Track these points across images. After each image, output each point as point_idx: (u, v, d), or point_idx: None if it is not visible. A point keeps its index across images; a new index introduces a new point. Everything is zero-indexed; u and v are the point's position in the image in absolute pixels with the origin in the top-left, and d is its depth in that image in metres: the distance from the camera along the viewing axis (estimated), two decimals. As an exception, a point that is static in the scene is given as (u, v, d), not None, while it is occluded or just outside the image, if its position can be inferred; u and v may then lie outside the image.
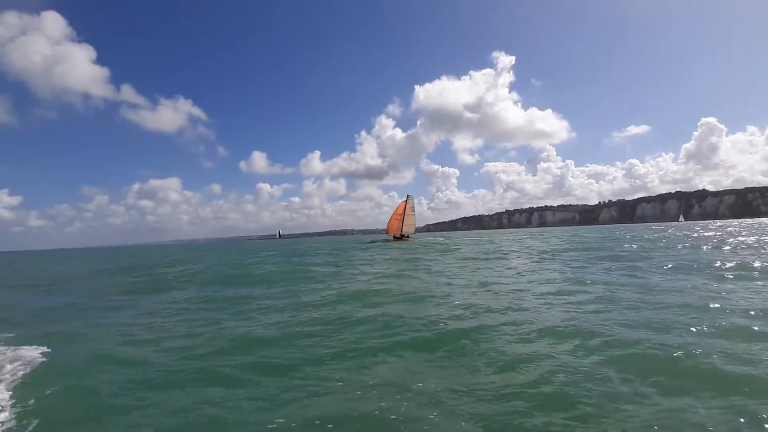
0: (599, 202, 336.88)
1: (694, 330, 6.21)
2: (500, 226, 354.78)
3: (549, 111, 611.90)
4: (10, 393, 4.82)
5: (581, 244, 32.28)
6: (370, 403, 4.11)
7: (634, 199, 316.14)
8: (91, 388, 5.04)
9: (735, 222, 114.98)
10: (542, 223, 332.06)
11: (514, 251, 27.17)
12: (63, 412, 4.40)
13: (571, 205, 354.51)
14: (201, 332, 8.00)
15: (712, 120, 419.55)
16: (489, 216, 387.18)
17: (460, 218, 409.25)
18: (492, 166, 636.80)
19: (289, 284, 15.16)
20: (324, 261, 26.29)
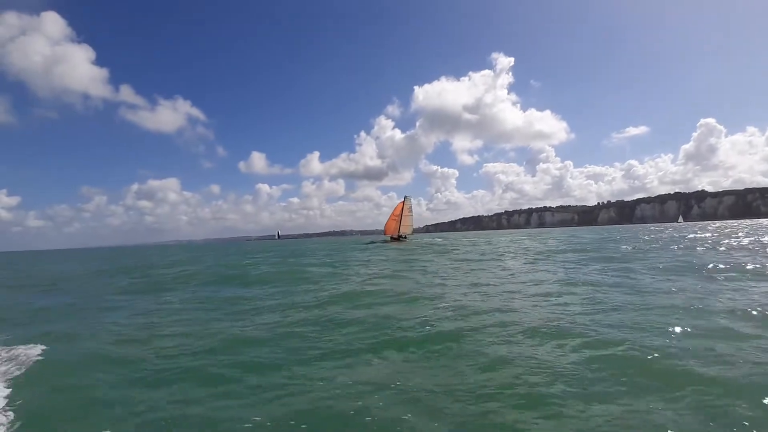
0: (598, 203, 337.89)
1: (676, 331, 6.31)
2: (499, 227, 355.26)
3: (548, 112, 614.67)
4: (7, 391, 4.97)
5: (577, 245, 32.38)
6: (347, 402, 4.21)
7: (633, 200, 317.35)
8: (81, 386, 5.22)
9: (734, 223, 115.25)
10: (541, 224, 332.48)
11: (510, 252, 27.28)
12: (53, 409, 4.55)
13: (570, 205, 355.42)
14: (192, 332, 8.14)
15: (711, 121, 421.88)
16: (488, 217, 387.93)
17: (460, 219, 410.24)
18: (491, 167, 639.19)
19: (283, 285, 15.25)
20: (320, 262, 26.40)
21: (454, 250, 33.08)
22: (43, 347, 7.07)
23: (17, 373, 5.74)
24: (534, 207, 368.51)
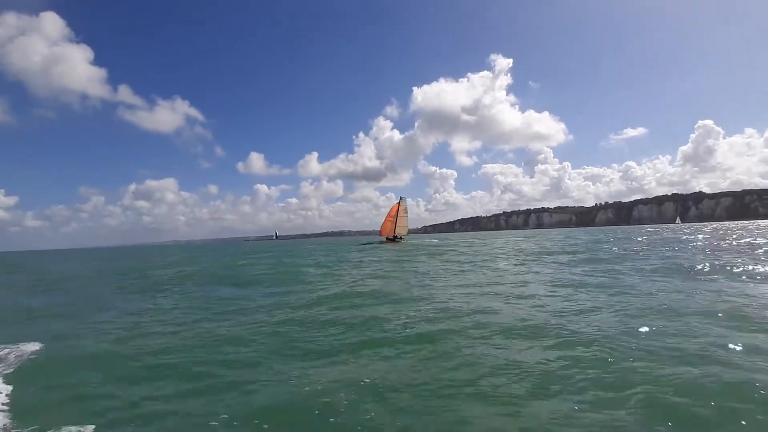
0: (596, 204, 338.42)
1: (646, 331, 6.47)
2: (498, 228, 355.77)
3: (546, 113, 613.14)
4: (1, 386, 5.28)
5: (571, 246, 32.62)
6: (314, 401, 4.36)
7: (631, 201, 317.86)
8: (70, 382, 5.51)
9: (731, 224, 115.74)
10: (539, 225, 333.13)
11: (503, 254, 27.48)
12: (41, 403, 4.82)
13: (567, 206, 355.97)
14: (179, 331, 8.39)
15: (709, 122, 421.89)
16: (486, 217, 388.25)
17: (458, 220, 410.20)
18: (490, 168, 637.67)
19: (276, 286, 15.41)
20: (315, 262, 26.56)
21: (448, 251, 33.26)
22: (39, 344, 7.40)
23: (10, 369, 6.04)
24: (532, 208, 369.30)
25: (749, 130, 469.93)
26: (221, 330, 8.27)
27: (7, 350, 7.09)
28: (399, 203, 61.47)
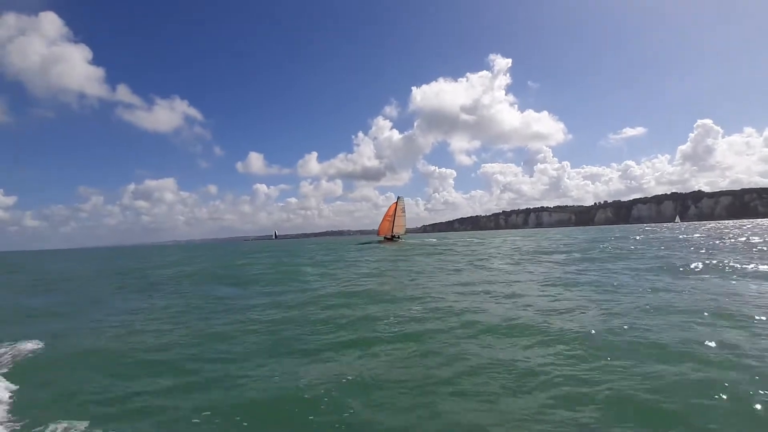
0: (595, 204, 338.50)
1: (627, 329, 6.60)
2: (497, 227, 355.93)
3: (545, 113, 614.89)
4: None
5: (568, 245, 32.79)
6: (294, 396, 4.52)
7: (630, 201, 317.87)
8: (65, 378, 5.72)
9: (730, 223, 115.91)
10: (539, 224, 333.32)
11: (499, 253, 27.63)
12: (37, 398, 5.00)
13: (567, 206, 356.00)
14: (171, 329, 8.57)
15: (708, 122, 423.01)
16: (486, 217, 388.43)
17: (458, 219, 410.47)
18: (489, 168, 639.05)
19: (272, 285, 15.56)
20: (312, 262, 26.72)
21: (446, 250, 33.39)
22: (38, 343, 7.62)
23: (9, 367, 6.27)
24: (531, 207, 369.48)
25: (748, 129, 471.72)
26: (214, 328, 8.42)
27: (6, 349, 7.30)
28: (396, 203, 61.56)
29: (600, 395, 4.20)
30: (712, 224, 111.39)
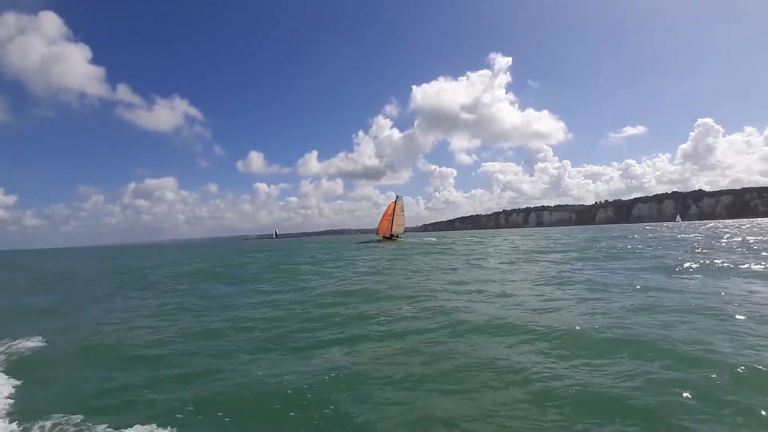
0: (596, 203, 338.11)
1: (611, 326, 6.73)
2: (497, 226, 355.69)
3: (545, 112, 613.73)
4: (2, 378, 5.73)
5: (566, 245, 32.96)
6: (276, 391, 4.69)
7: (631, 200, 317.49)
8: (58, 375, 5.95)
9: (730, 222, 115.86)
10: (539, 223, 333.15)
11: (497, 252, 27.79)
12: (30, 395, 5.17)
13: (567, 205, 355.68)
14: (166, 326, 8.80)
15: (708, 121, 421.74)
16: (486, 216, 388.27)
17: (458, 218, 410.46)
18: (489, 166, 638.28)
19: (268, 284, 15.74)
20: (311, 261, 26.93)
21: (444, 249, 33.55)
22: (37, 341, 7.83)
23: (8, 363, 6.51)
24: (532, 206, 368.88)
25: (749, 128, 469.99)
26: (208, 325, 8.66)
27: (10, 344, 7.58)
28: (395, 202, 61.68)
29: (571, 391, 4.32)
30: (711, 223, 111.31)
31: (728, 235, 37.74)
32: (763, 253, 18.40)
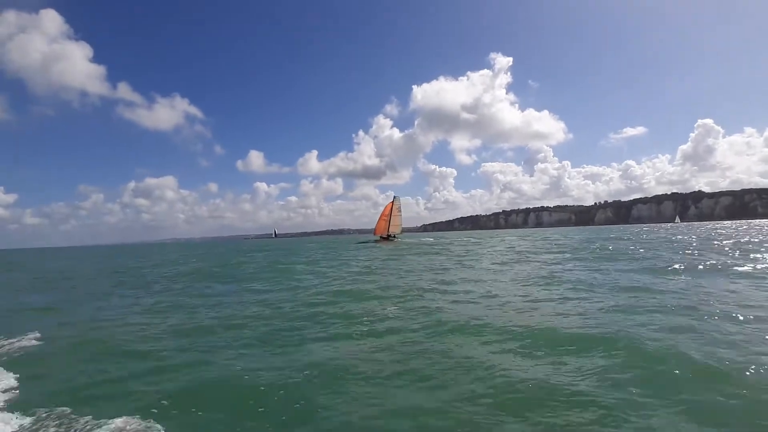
0: (595, 203, 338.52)
1: (591, 325, 6.95)
2: (497, 227, 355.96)
3: (546, 112, 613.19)
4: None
5: (562, 245, 33.20)
6: (251, 387, 4.93)
7: (630, 200, 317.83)
8: (53, 371, 6.13)
9: (728, 224, 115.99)
10: (539, 224, 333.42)
11: (492, 253, 28.02)
12: (26, 390, 5.33)
13: (567, 205, 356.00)
14: (158, 323, 9.10)
15: (708, 122, 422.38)
16: (486, 216, 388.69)
17: (458, 218, 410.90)
18: (489, 167, 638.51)
19: (264, 283, 15.98)
20: (307, 261, 27.18)
21: (441, 250, 33.79)
22: (37, 335, 8.16)
23: (7, 357, 6.79)
24: (531, 207, 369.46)
25: (749, 129, 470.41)
26: (199, 322, 8.94)
27: (10, 341, 7.83)
28: (393, 202, 61.88)
29: (528, 385, 4.56)
30: (710, 225, 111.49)
31: (724, 236, 37.97)
32: (753, 255, 18.63)
